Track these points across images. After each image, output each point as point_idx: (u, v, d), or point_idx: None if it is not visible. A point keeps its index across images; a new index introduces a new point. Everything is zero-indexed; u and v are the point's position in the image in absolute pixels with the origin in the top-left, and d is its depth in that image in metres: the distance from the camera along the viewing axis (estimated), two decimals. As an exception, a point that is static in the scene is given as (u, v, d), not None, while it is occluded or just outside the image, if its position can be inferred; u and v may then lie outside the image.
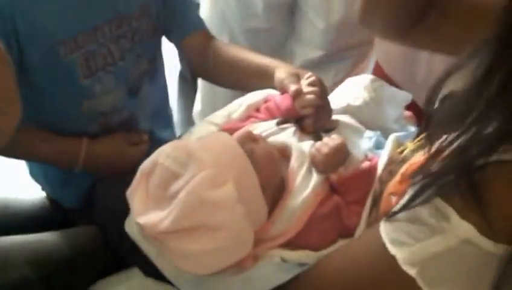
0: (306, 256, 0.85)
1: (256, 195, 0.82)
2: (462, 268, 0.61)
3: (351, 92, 1.14)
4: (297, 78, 0.99)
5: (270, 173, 0.86)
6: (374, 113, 1.10)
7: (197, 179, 0.77)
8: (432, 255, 0.62)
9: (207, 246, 0.77)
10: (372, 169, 0.89)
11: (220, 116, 1.04)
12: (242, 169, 0.81)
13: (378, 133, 1.01)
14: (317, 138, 0.95)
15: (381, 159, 0.90)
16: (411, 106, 1.15)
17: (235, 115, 1.03)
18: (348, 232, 0.87)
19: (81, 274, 1.15)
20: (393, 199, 0.79)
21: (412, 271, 0.63)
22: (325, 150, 0.87)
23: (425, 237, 0.62)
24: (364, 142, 0.98)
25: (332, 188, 0.89)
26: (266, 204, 0.84)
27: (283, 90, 0.99)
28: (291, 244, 0.86)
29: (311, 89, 0.95)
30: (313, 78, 0.97)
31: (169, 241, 0.78)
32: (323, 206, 0.86)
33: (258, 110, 1.04)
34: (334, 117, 1.03)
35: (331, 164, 0.87)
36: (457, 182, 0.61)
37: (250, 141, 0.87)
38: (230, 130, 0.98)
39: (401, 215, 0.67)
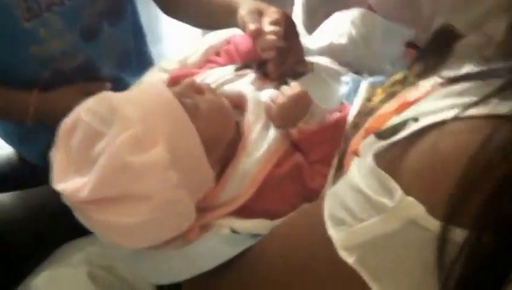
0: (262, 226, 0.71)
1: (198, 158, 0.68)
2: (409, 255, 0.46)
3: (336, 28, 0.97)
4: (259, 14, 0.83)
5: (218, 130, 0.72)
6: (363, 52, 0.94)
7: (119, 139, 0.64)
8: (373, 240, 0.47)
9: (133, 218, 0.65)
10: (342, 121, 0.74)
11: (174, 61, 0.89)
12: (178, 127, 0.68)
13: (361, 77, 0.85)
14: (283, 85, 0.80)
15: (351, 110, 0.74)
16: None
17: (192, 59, 0.89)
18: (316, 196, 0.73)
19: (46, 236, 1.06)
20: (356, 159, 0.64)
21: (350, 259, 0.49)
22: (280, 100, 0.73)
23: (366, 215, 0.48)
24: (341, 89, 0.83)
25: (295, 146, 0.75)
26: (213, 167, 0.71)
27: (245, 30, 0.84)
28: (246, 211, 0.73)
29: (271, 28, 0.79)
30: (276, 16, 0.81)
31: (90, 212, 0.66)
32: (281, 167, 0.73)
33: (218, 53, 0.89)
34: (310, 59, 0.88)
35: (289, 117, 0.73)
36: (402, 145, 0.46)
37: (192, 92, 0.73)
38: (180, 78, 0.84)
39: (343, 184, 0.53)
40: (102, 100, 0.69)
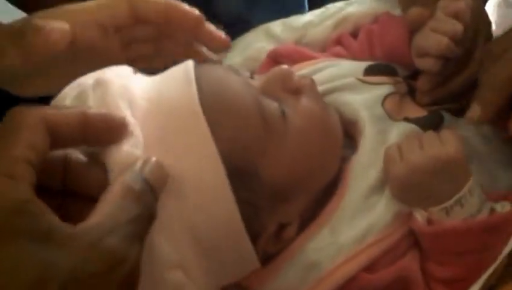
0: None
1: (224, 213, 0.39)
2: None
3: None
4: None
5: (311, 164, 0.44)
6: None
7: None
8: None
9: None
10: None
11: (291, 26, 0.61)
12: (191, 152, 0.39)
13: None
14: (432, 120, 0.49)
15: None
16: None
17: (316, 32, 0.59)
18: None
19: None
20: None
21: None
22: (415, 156, 0.43)
23: None
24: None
25: (414, 238, 0.45)
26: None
27: (403, 12, 0.52)
28: None
29: (446, 23, 0.47)
30: (458, 1, 0.48)
31: None
32: (376, 271, 0.44)
33: (355, 33, 0.58)
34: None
35: (419, 191, 0.43)
36: None
37: (283, 89, 0.45)
38: (284, 58, 0.56)
39: None
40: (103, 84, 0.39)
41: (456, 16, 0.48)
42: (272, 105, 0.43)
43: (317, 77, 0.51)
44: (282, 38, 0.59)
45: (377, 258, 0.43)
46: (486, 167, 0.47)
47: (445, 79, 0.49)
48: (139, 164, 0.33)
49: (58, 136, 0.31)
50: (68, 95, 0.39)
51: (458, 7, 0.48)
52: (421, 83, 0.50)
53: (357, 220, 0.44)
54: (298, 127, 0.43)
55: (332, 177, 0.46)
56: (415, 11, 0.49)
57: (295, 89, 0.45)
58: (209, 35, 0.48)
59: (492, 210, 0.43)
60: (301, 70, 0.53)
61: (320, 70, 0.53)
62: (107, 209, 0.30)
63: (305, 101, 0.45)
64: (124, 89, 0.38)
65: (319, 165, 0.45)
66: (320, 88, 0.50)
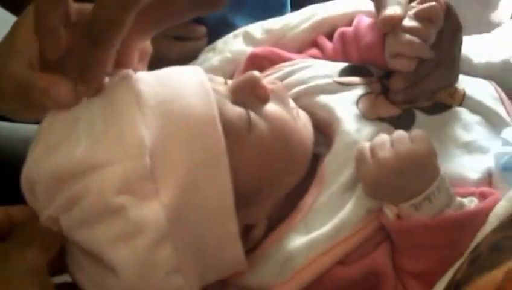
0: None
1: (221, 224, 0.42)
2: None
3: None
4: None
5: (274, 170, 0.46)
6: None
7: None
8: None
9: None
10: (479, 218, 0.44)
11: (269, 29, 0.62)
12: (207, 166, 0.41)
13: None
14: (405, 118, 0.51)
15: (501, 206, 0.44)
16: None
17: (294, 33, 0.61)
18: None
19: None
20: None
21: None
22: (384, 154, 0.45)
23: None
24: (495, 152, 0.51)
25: (384, 232, 0.47)
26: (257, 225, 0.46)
27: (378, 14, 0.54)
28: None
29: (416, 24, 0.49)
30: (431, 4, 0.50)
31: None
32: (350, 265, 0.46)
33: (331, 35, 0.60)
34: (465, 84, 0.56)
35: (388, 187, 0.45)
36: None
37: (251, 95, 0.47)
38: (263, 60, 0.58)
39: None
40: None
41: (428, 18, 0.50)
42: (236, 111, 0.44)
43: (293, 79, 0.54)
44: (260, 41, 0.60)
45: (350, 252, 0.45)
46: (455, 164, 0.49)
47: (417, 78, 0.51)
48: None
49: None
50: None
51: (431, 10, 0.50)
52: (394, 82, 0.52)
53: (331, 217, 0.46)
54: (263, 133, 0.45)
55: (298, 180, 0.48)
56: (388, 14, 0.50)
57: (263, 95, 0.47)
58: None
59: (460, 205, 0.45)
60: (278, 72, 0.55)
61: (296, 71, 0.54)
62: None
63: (272, 107, 0.46)
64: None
65: (283, 172, 0.46)
66: (296, 89, 0.52)
